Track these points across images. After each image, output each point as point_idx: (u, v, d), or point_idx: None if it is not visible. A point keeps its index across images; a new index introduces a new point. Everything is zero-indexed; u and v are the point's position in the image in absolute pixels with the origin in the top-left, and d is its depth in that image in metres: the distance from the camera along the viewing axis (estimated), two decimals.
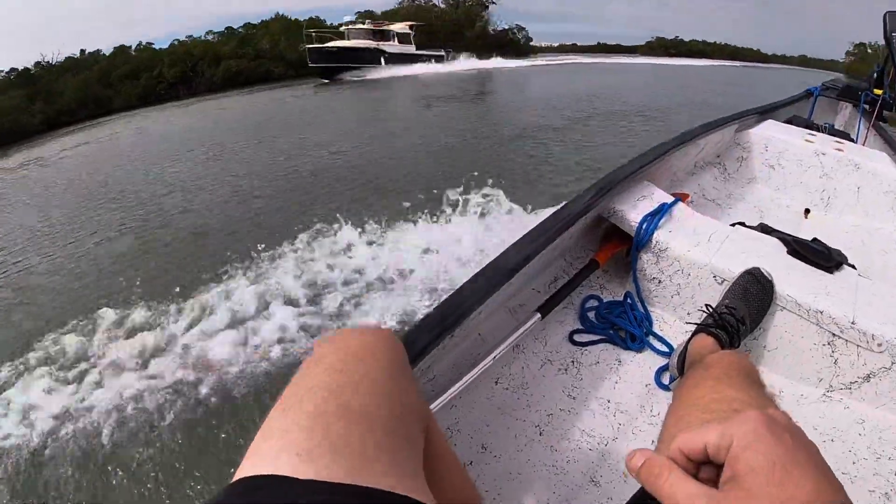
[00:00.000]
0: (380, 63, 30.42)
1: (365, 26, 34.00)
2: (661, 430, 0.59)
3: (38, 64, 41.76)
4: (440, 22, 52.54)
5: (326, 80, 28.79)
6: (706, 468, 0.37)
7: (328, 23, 51.92)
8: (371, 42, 31.92)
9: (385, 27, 34.26)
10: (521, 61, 41.90)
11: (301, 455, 0.35)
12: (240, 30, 49.38)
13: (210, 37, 48.83)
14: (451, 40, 51.75)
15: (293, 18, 50.31)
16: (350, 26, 34.35)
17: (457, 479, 0.59)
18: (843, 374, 1.03)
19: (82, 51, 45.67)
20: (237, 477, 0.35)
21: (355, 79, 28.07)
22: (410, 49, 34.21)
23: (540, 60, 47.38)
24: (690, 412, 0.56)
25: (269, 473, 0.34)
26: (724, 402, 0.55)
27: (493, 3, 57.81)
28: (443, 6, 56.37)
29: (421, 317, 0.86)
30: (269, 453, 0.36)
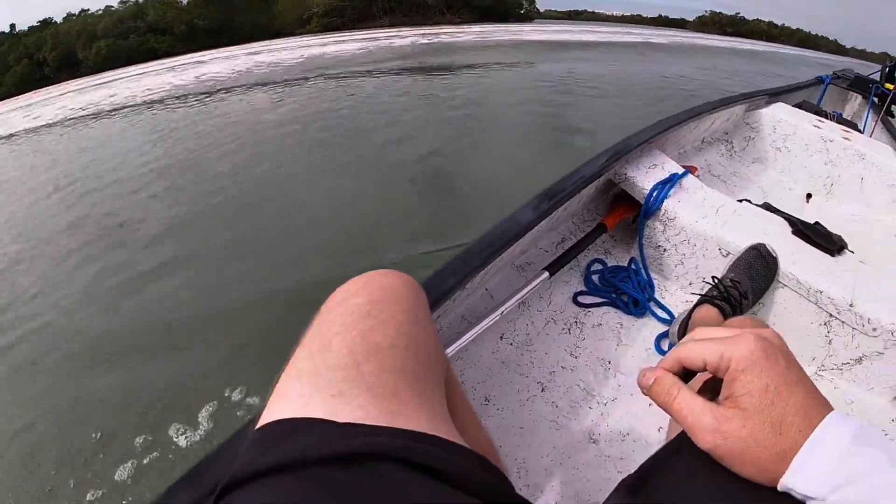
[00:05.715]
0: None
1: None
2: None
3: None
4: None
5: None
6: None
7: None
8: None
9: None
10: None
11: (336, 396, 0.33)
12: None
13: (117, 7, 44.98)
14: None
15: None
16: None
17: (473, 426, 0.58)
18: (836, 354, 1.06)
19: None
20: (265, 420, 0.33)
21: None
22: None
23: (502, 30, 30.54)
24: None
25: (304, 416, 0.32)
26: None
27: None
28: None
29: (434, 270, 0.84)
30: (301, 396, 0.33)
